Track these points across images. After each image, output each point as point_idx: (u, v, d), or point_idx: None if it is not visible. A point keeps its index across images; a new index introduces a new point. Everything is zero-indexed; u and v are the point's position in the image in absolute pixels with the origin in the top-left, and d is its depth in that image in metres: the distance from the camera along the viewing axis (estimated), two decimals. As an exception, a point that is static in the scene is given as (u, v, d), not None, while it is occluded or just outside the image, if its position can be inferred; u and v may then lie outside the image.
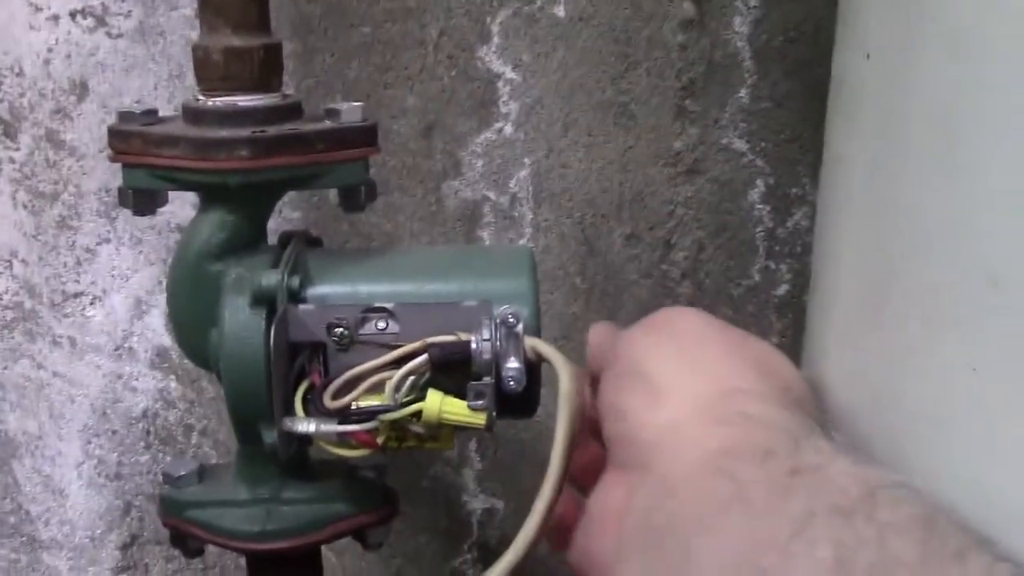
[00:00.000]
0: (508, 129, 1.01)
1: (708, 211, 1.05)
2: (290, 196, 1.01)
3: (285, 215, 1.01)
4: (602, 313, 1.07)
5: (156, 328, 1.04)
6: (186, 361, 1.05)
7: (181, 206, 0.96)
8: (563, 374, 0.66)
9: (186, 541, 0.79)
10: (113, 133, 0.71)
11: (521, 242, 1.04)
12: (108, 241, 1.02)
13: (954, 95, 0.47)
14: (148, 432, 1.07)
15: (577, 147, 1.02)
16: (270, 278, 0.69)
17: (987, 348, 0.45)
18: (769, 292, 1.07)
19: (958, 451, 0.47)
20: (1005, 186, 0.44)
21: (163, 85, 0.97)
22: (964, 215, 0.46)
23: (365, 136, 0.72)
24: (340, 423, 0.68)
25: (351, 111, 0.72)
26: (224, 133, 0.68)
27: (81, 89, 0.97)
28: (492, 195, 1.03)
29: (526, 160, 1.02)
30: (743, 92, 1.02)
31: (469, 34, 0.98)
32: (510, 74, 1.00)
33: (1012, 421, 0.44)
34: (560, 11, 0.98)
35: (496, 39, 0.99)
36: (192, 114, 0.71)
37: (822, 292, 0.67)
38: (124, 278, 1.03)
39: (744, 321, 1.08)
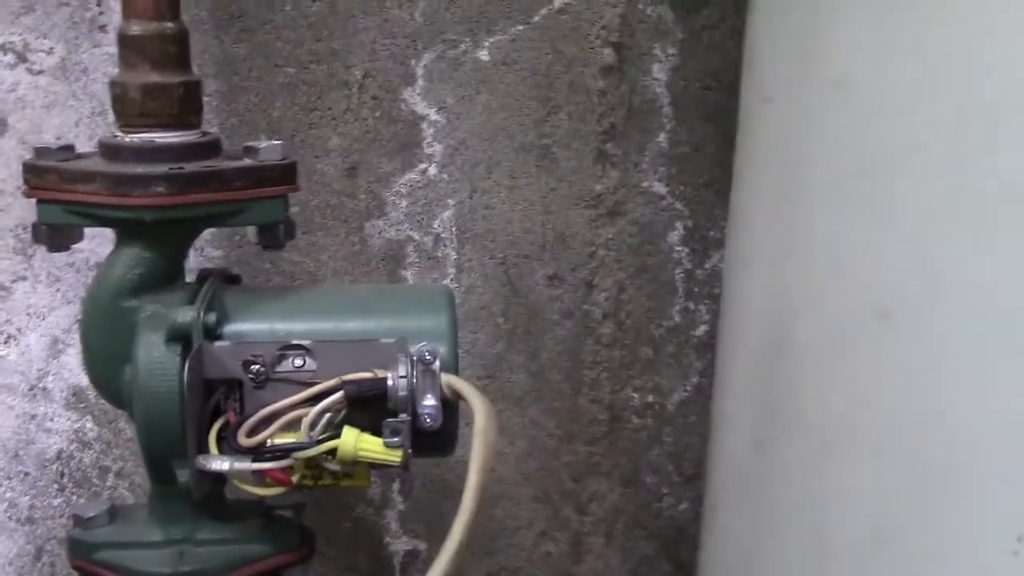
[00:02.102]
0: (432, 170, 1.02)
1: (629, 252, 1.07)
2: (211, 234, 1.00)
3: (207, 253, 1.01)
4: (525, 353, 1.07)
5: (72, 367, 1.02)
6: (103, 401, 1.03)
7: (100, 243, 0.95)
8: (478, 411, 0.66)
9: (97, 584, 0.77)
10: (28, 168, 0.70)
11: (444, 282, 1.04)
12: (24, 279, 1.00)
13: (848, 135, 0.50)
14: (62, 474, 1.05)
15: (500, 188, 1.03)
16: (186, 315, 0.69)
17: (878, 377, 0.46)
18: (689, 332, 1.09)
19: (848, 474, 0.48)
20: (895, 223, 0.46)
21: (84, 122, 0.97)
22: (857, 251, 0.48)
23: (284, 174, 0.72)
24: (254, 461, 0.68)
25: (270, 149, 0.72)
26: (140, 169, 0.68)
27: (0, 125, 0.96)
28: (416, 235, 1.03)
29: (450, 201, 1.03)
30: (662, 137, 1.04)
31: (393, 76, 0.99)
32: (434, 116, 1.01)
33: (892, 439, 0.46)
34: (484, 55, 1.00)
35: (421, 81, 1.00)
36: (109, 150, 0.70)
37: (732, 331, 0.69)
38: (40, 316, 1.01)
39: (665, 361, 1.10)
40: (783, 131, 0.56)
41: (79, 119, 0.96)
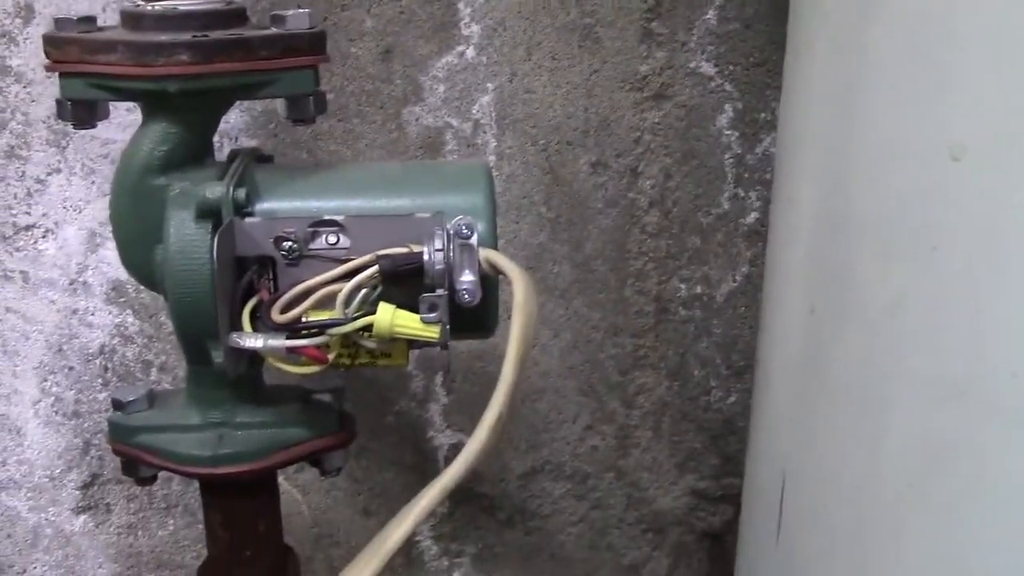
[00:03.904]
0: (470, 52, 0.98)
1: (676, 137, 1.03)
2: (246, 123, 0.98)
3: (241, 143, 0.98)
4: (568, 244, 1.05)
5: (111, 261, 1.01)
6: (143, 295, 1.03)
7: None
8: (517, 284, 0.64)
9: (137, 468, 0.77)
10: (49, 40, 0.68)
11: (484, 169, 1.01)
12: (59, 171, 0.99)
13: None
14: (106, 368, 1.05)
15: (541, 71, 0.99)
16: (215, 190, 0.67)
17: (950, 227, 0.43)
18: (738, 220, 1.06)
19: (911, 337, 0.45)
20: (972, 78, 0.42)
21: (112, 7, 0.94)
22: (928, 96, 0.44)
23: (312, 43, 0.69)
24: (289, 338, 0.66)
25: (298, 17, 0.69)
26: (163, 37, 0.65)
27: (26, 12, 0.94)
28: (454, 122, 1.00)
29: (489, 85, 0.99)
30: (711, 13, 0.99)
31: (428, -48, 0.95)
32: (471, -6, 0.97)
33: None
34: (522, -72, 0.95)
35: (456, -42, 0.96)
36: (131, 19, 0.68)
37: (785, 211, 0.66)
38: (77, 209, 1.00)
39: (713, 250, 1.06)
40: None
41: (106, 3, 0.94)
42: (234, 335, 0.66)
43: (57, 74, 0.69)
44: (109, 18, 0.93)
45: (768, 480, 0.68)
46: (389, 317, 0.65)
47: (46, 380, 1.04)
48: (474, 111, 1.00)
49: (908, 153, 0.45)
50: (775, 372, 0.69)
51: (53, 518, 1.08)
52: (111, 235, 0.99)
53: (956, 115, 0.43)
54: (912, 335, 0.47)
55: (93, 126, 0.71)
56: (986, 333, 0.44)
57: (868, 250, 0.50)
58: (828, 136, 0.56)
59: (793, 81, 0.66)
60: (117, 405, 0.77)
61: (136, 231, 0.71)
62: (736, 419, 1.11)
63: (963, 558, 0.49)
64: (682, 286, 1.07)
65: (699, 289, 1.07)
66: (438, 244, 0.65)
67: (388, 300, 0.66)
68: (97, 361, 1.04)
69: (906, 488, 0.49)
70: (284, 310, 0.67)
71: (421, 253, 0.66)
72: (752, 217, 1.06)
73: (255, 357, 0.69)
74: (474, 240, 0.66)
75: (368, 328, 0.65)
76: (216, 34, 0.66)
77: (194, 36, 0.65)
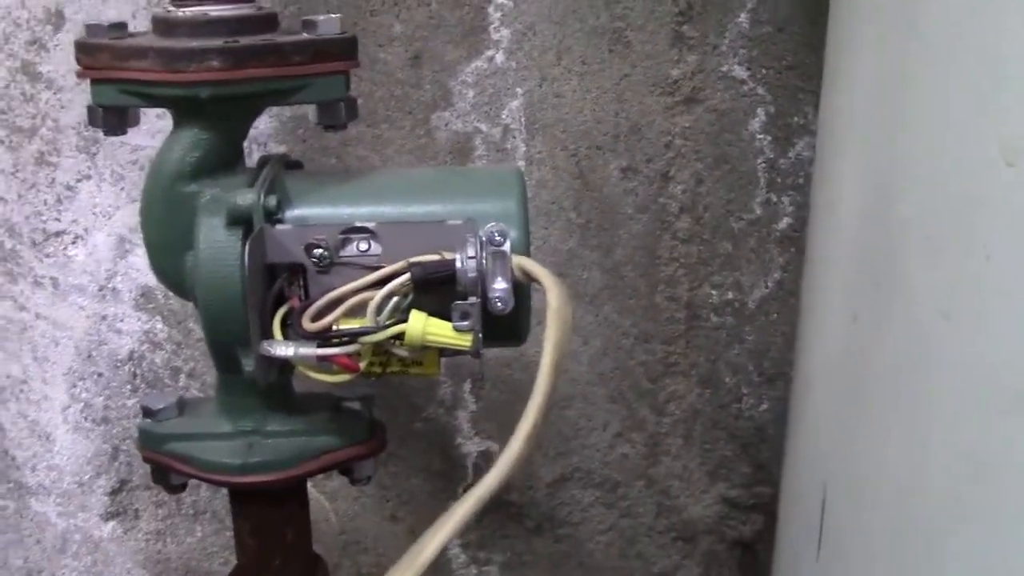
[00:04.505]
0: (499, 57, 0.98)
1: (707, 142, 1.01)
2: (275, 129, 0.98)
3: (270, 148, 0.98)
4: (599, 249, 1.04)
5: (140, 267, 1.01)
6: (172, 301, 1.03)
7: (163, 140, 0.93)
8: (552, 292, 0.63)
9: (167, 476, 0.77)
10: (80, 47, 0.68)
11: (514, 175, 1.00)
12: (89, 177, 0.99)
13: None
14: (135, 375, 1.05)
15: (571, 75, 0.98)
16: (246, 197, 0.66)
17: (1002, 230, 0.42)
18: (771, 225, 1.04)
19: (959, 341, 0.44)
20: (1019, 94, 0.41)
21: (142, 13, 0.94)
22: (980, 96, 0.43)
23: (344, 48, 0.69)
24: (320, 346, 0.66)
25: (328, 23, 0.68)
26: (194, 43, 0.65)
27: (57, 18, 0.94)
28: (484, 127, 0.99)
29: (518, 90, 0.98)
30: (743, 16, 0.98)
31: (457, -43, 0.95)
32: (501, -1, 0.96)
33: None
34: (552, -68, 0.94)
35: (486, -38, 0.95)
36: (162, 25, 0.67)
37: (824, 217, 0.65)
38: (106, 216, 1.00)
39: (745, 256, 1.05)
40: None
41: (136, 10, 0.94)
42: (265, 343, 0.66)
43: (88, 81, 0.69)
44: (140, 24, 0.93)
45: (808, 491, 0.66)
46: (421, 325, 0.64)
47: (75, 386, 1.04)
48: (503, 116, 0.99)
49: (958, 156, 0.44)
50: (815, 380, 0.68)
51: (82, 524, 1.08)
52: (140, 241, 0.99)
53: (1010, 117, 0.41)
54: (962, 344, 0.46)
55: (124, 132, 0.70)
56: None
57: (915, 256, 0.48)
58: (872, 138, 0.55)
59: (833, 82, 0.65)
60: (147, 412, 0.77)
61: (166, 238, 0.71)
62: (768, 427, 1.09)
63: None
64: (713, 292, 1.06)
65: (731, 295, 1.06)
66: (470, 251, 0.65)
67: (420, 308, 0.66)
68: (126, 367, 1.04)
69: (954, 502, 0.48)
70: (315, 318, 0.66)
71: (453, 260, 0.65)
72: (785, 222, 1.04)
73: (286, 365, 0.69)
74: (507, 247, 0.66)
75: (400, 336, 0.65)
76: (247, 40, 0.66)
77: (225, 42, 0.65)
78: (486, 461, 1.09)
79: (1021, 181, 0.40)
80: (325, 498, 1.08)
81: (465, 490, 1.08)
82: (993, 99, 0.42)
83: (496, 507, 1.10)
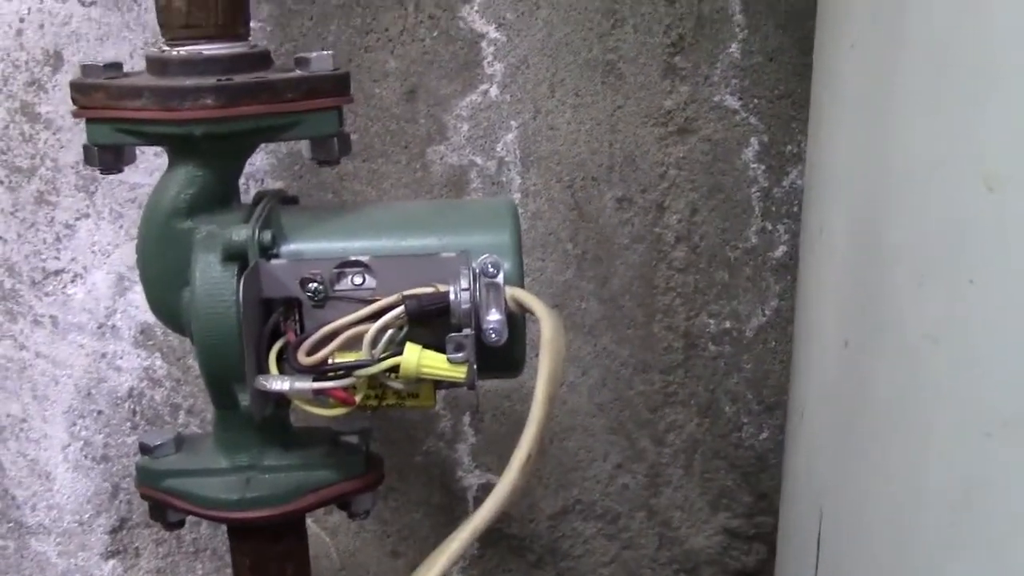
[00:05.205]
0: (493, 91, 0.99)
1: (701, 171, 1.02)
2: (271, 164, 0.98)
3: (267, 185, 0.99)
4: (595, 280, 1.04)
5: (139, 304, 1.01)
6: (171, 338, 1.03)
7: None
8: (545, 323, 0.63)
9: (165, 513, 0.77)
10: (75, 87, 0.69)
11: (510, 207, 1.01)
12: (87, 216, 0.99)
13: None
14: (134, 412, 1.05)
15: (564, 108, 0.99)
16: (240, 233, 0.67)
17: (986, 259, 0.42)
18: (766, 254, 1.05)
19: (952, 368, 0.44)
20: (1006, 107, 0.41)
21: (139, 53, 0.95)
22: (962, 124, 0.44)
23: (336, 85, 0.69)
24: (315, 380, 0.66)
25: (321, 59, 0.69)
26: (189, 82, 0.66)
27: (55, 59, 0.95)
28: (479, 160, 1.00)
29: (513, 123, 0.99)
30: (733, 47, 0.99)
31: (450, -7, 0.96)
32: (494, 33, 0.97)
33: None
34: (543, -33, 0.96)
35: (478, -2, 0.96)
36: (156, 64, 0.68)
37: (815, 244, 0.65)
38: (105, 254, 1.00)
39: (741, 285, 1.05)
40: (874, 9, 0.51)
41: (133, 50, 0.95)
42: (260, 378, 0.66)
43: (84, 120, 0.69)
44: (137, 63, 0.94)
45: (805, 518, 0.66)
46: (416, 358, 0.65)
47: (75, 424, 1.05)
48: (498, 149, 1.00)
49: (942, 183, 0.44)
50: (809, 407, 0.68)
51: (82, 563, 1.07)
52: (139, 278, 1.00)
53: (990, 144, 0.42)
54: (951, 367, 0.46)
55: (120, 171, 0.71)
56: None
57: (904, 282, 0.49)
58: (859, 166, 0.56)
59: (821, 111, 0.66)
60: (145, 449, 0.77)
61: (163, 274, 0.71)
62: (768, 456, 1.09)
63: (1009, 598, 0.47)
64: (711, 321, 1.06)
65: (728, 324, 1.06)
66: (464, 283, 0.65)
67: (414, 340, 0.66)
68: (126, 405, 1.04)
69: (948, 526, 0.48)
70: (310, 352, 0.66)
71: (447, 293, 0.65)
72: (780, 251, 1.05)
73: (282, 400, 0.69)
74: (500, 279, 0.66)
75: (395, 369, 0.65)
76: (241, 78, 0.67)
77: (219, 80, 0.66)
78: (486, 494, 1.08)
79: (1002, 206, 0.40)
80: (326, 533, 1.08)
81: (465, 523, 1.08)
82: (974, 126, 0.42)
83: (497, 540, 1.10)
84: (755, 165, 1.02)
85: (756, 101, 1.01)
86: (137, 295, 1.01)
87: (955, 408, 0.46)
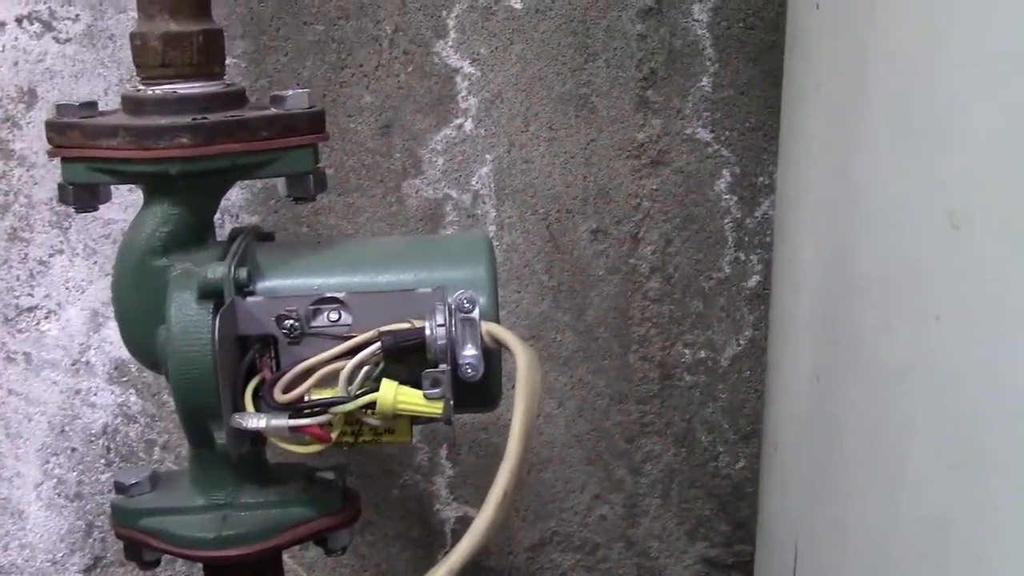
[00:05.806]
0: (468, 125, 0.99)
1: (675, 203, 1.03)
2: (246, 200, 0.99)
3: (242, 220, 0.99)
4: (571, 312, 1.04)
5: (113, 341, 1.01)
6: (146, 374, 1.02)
7: (135, 214, 0.94)
8: (520, 358, 0.64)
9: (141, 552, 0.76)
10: (51, 126, 0.69)
11: (485, 240, 1.02)
12: (61, 252, 0.99)
13: (914, 49, 0.46)
14: (108, 449, 1.04)
15: (539, 141, 1.00)
16: (216, 271, 0.67)
17: (951, 293, 0.43)
18: (740, 284, 1.06)
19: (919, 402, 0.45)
20: (970, 145, 0.42)
21: (114, 90, 0.95)
22: (925, 163, 0.44)
23: (312, 122, 0.70)
24: (291, 417, 0.66)
25: (297, 97, 0.70)
26: (163, 121, 0.66)
27: (30, 96, 0.95)
28: (454, 193, 1.01)
29: (487, 156, 1.00)
30: (705, 80, 1.00)
31: (425, 29, 0.96)
32: (468, 68, 0.98)
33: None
34: (516, 3, 0.97)
35: (453, 33, 0.97)
36: (131, 104, 0.69)
37: (785, 274, 0.66)
38: (79, 290, 1.00)
39: (716, 315, 1.06)
40: (838, 52, 0.52)
41: (108, 87, 0.95)
42: (236, 416, 0.66)
43: (59, 159, 0.69)
44: (112, 101, 0.94)
45: (780, 548, 0.67)
46: (392, 394, 0.65)
47: (48, 462, 1.04)
48: (473, 182, 1.01)
49: (908, 220, 0.45)
50: (783, 440, 0.68)
51: (55, 603, 1.06)
52: (113, 314, 1.00)
53: (955, 182, 0.43)
54: (920, 401, 0.47)
55: (95, 209, 0.71)
56: (994, 399, 0.44)
57: (872, 317, 0.49)
58: (828, 201, 0.57)
59: (790, 146, 0.67)
60: (119, 488, 0.76)
61: (138, 312, 0.71)
62: (745, 484, 1.09)
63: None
64: (686, 351, 1.07)
65: (703, 354, 1.07)
66: (439, 319, 0.65)
67: (390, 376, 0.66)
68: (100, 441, 1.04)
69: (920, 558, 0.49)
70: (286, 389, 0.66)
71: (423, 328, 0.65)
72: (754, 280, 1.06)
73: (258, 437, 0.69)
74: (476, 314, 0.66)
75: (371, 406, 0.65)
76: (216, 116, 0.67)
77: (194, 119, 0.66)
78: (464, 527, 1.08)
79: (968, 243, 0.41)
80: (303, 569, 1.07)
81: (444, 557, 1.07)
82: (938, 165, 0.43)
83: (476, 573, 1.09)
84: (727, 196, 1.03)
85: (728, 133, 1.02)
86: (111, 331, 1.01)
87: (923, 442, 0.46)
